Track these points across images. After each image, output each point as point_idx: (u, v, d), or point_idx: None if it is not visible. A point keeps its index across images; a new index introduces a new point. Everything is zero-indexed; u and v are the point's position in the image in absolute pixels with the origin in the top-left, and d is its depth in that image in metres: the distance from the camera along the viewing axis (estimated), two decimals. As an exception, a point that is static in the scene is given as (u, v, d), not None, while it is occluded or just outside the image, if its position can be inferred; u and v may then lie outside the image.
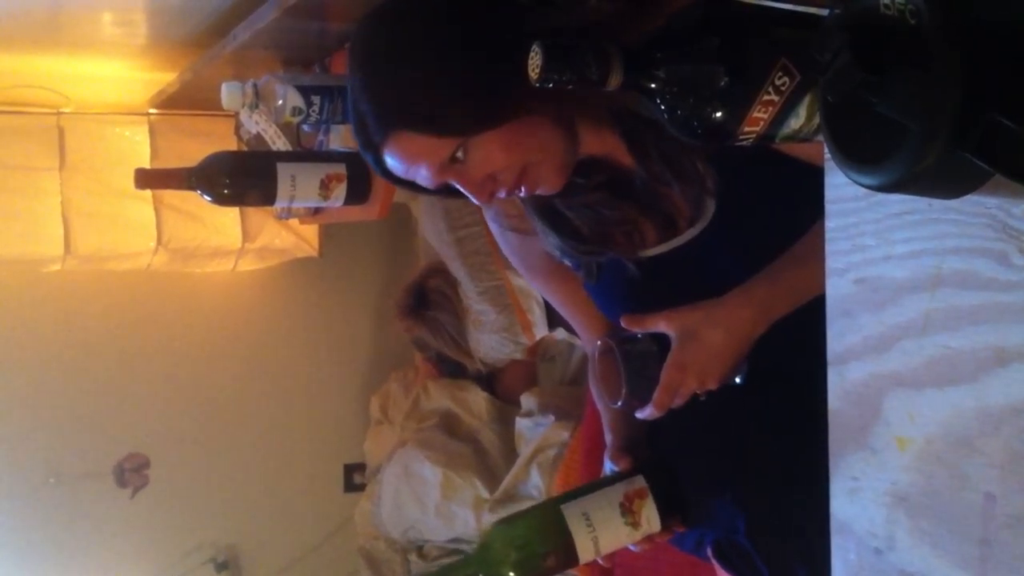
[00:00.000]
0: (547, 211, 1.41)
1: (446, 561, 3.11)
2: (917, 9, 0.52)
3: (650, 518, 1.34)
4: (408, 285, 3.08)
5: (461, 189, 1.27)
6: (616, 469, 1.40)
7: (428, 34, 1.24)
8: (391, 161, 1.27)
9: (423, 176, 1.26)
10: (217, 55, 2.32)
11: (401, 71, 1.23)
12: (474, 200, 1.28)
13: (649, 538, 1.37)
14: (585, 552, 1.32)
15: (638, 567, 2.05)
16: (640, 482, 1.35)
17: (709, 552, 1.42)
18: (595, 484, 1.39)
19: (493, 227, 1.57)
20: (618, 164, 1.34)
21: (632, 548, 1.39)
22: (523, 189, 1.28)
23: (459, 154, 1.23)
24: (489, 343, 2.93)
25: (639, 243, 1.39)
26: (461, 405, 3.19)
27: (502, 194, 1.27)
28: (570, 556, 1.32)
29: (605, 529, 1.32)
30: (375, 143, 1.26)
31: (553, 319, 2.83)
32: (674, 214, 1.37)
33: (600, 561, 1.38)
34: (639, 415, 1.30)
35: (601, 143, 1.33)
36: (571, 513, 1.32)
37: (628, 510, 1.33)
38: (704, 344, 1.23)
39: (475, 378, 3.20)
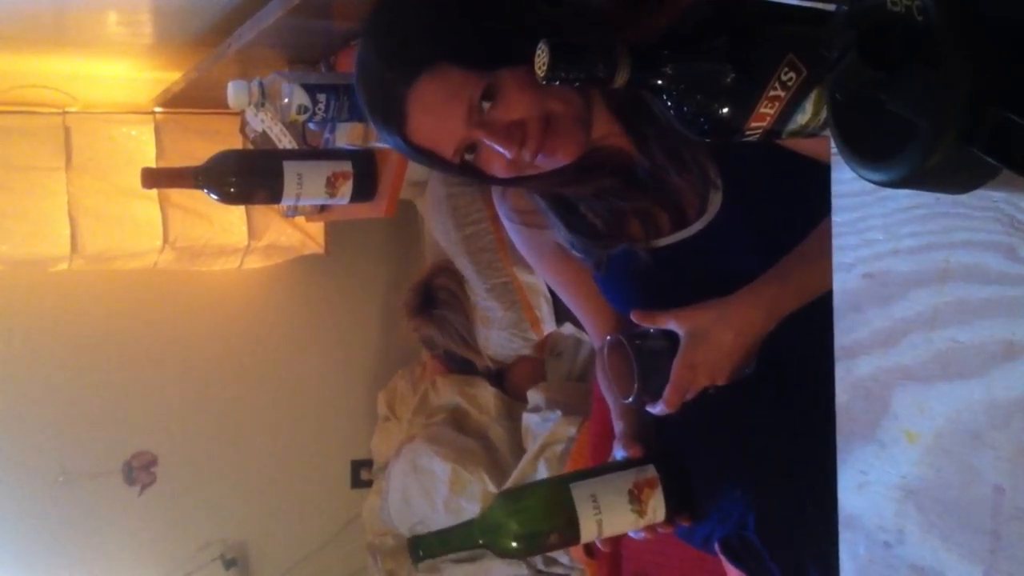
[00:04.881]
0: (561, 205, 1.42)
1: (446, 527, 3.12)
2: (924, 6, 0.52)
3: (656, 508, 1.35)
4: (415, 284, 3.09)
5: (489, 143, 1.25)
6: (627, 456, 1.41)
7: None
8: (417, 117, 1.25)
9: (450, 133, 1.25)
10: (222, 54, 2.32)
11: (432, 7, 1.26)
12: (503, 152, 1.25)
13: (651, 528, 1.37)
14: (588, 533, 1.33)
15: (647, 561, 2.05)
16: (651, 471, 1.35)
17: (717, 548, 1.42)
18: (606, 467, 1.40)
19: (506, 222, 1.58)
20: (622, 152, 1.35)
21: (633, 535, 1.40)
22: (545, 150, 1.26)
23: (487, 97, 1.23)
24: (497, 340, 2.93)
25: (653, 233, 1.40)
26: (470, 401, 3.19)
27: (527, 155, 1.25)
28: (573, 535, 1.33)
29: (611, 513, 1.33)
30: (400, 98, 1.25)
31: (561, 314, 2.83)
32: (684, 204, 1.37)
33: (598, 544, 1.38)
34: (651, 411, 1.31)
35: (607, 130, 1.33)
36: (580, 493, 1.33)
37: (636, 498, 1.34)
38: (714, 344, 1.24)
39: (484, 375, 3.21)
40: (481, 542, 1.33)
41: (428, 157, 1.31)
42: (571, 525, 1.32)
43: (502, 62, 1.22)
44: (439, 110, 1.24)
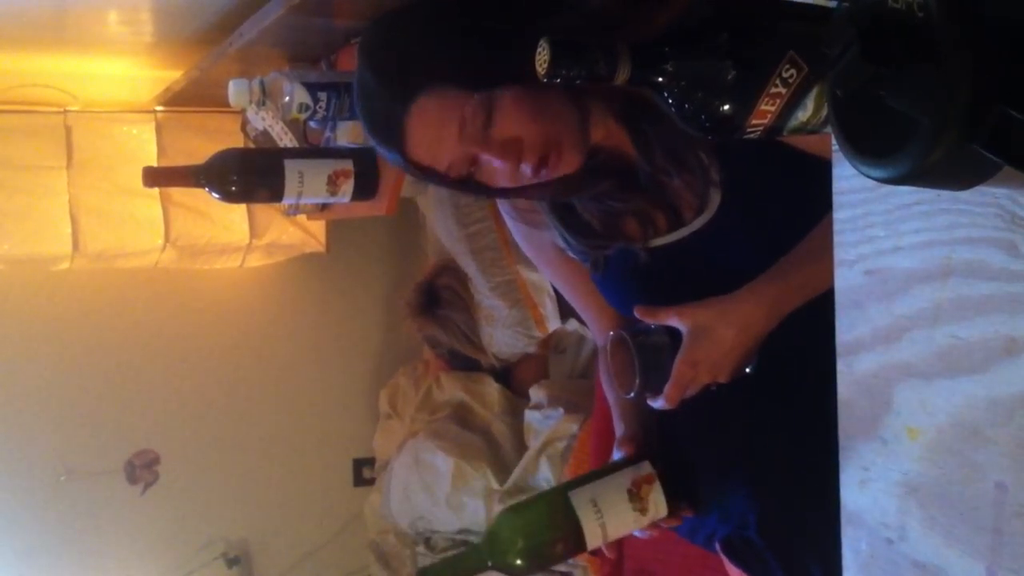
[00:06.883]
0: (559, 204, 1.43)
1: (452, 553, 3.12)
2: (925, 3, 0.52)
3: (657, 503, 1.35)
4: (418, 284, 3.09)
5: (488, 160, 1.27)
6: (622, 456, 1.41)
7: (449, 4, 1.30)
8: (416, 135, 1.27)
9: (449, 149, 1.26)
10: (223, 52, 2.32)
11: (427, 28, 1.28)
12: (500, 165, 1.27)
13: (655, 524, 1.38)
14: (593, 538, 1.34)
15: (649, 558, 2.05)
16: (647, 468, 1.36)
17: (718, 548, 1.42)
18: (603, 470, 1.40)
19: (507, 219, 1.58)
20: (622, 154, 1.35)
21: (638, 534, 1.40)
22: (546, 166, 1.28)
23: (485, 115, 1.24)
24: (502, 338, 2.93)
25: (650, 232, 1.40)
26: (475, 397, 3.19)
27: (527, 169, 1.27)
28: (579, 542, 1.34)
29: (613, 515, 1.33)
30: (399, 118, 1.27)
31: (565, 311, 2.83)
32: (680, 205, 1.37)
33: (604, 550, 1.39)
34: (652, 404, 1.31)
35: (606, 132, 1.34)
36: (579, 500, 1.33)
37: (636, 496, 1.34)
38: (716, 342, 1.25)
39: (489, 373, 3.21)
40: (490, 564, 1.33)
41: (429, 174, 1.32)
42: (575, 532, 1.33)
43: (498, 81, 1.24)
44: (436, 129, 1.26)
